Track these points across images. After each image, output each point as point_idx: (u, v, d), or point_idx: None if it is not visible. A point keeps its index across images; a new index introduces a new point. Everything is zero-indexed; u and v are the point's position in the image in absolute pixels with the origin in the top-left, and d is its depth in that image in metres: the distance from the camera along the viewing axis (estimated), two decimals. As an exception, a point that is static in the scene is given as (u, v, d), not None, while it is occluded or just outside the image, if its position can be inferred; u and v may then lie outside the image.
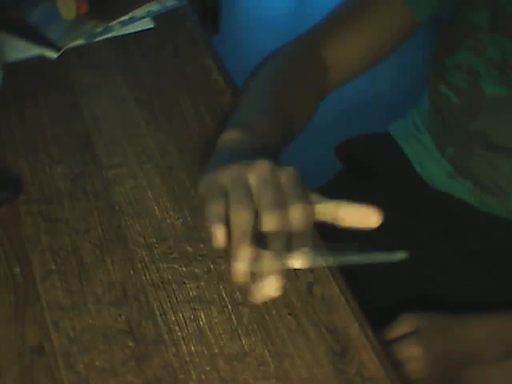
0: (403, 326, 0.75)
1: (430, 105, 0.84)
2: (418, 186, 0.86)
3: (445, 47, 0.76)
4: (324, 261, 0.50)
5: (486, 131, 0.74)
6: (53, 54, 0.86)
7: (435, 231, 0.84)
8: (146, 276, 0.64)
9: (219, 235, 0.46)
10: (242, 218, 0.46)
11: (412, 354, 0.73)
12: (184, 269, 0.65)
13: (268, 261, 0.46)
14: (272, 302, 0.63)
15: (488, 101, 0.72)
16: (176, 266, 0.65)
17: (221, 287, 0.64)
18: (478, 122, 0.75)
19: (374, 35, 0.77)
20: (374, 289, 0.83)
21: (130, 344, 0.59)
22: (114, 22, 0.91)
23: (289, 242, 0.46)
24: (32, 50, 0.87)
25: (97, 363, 0.58)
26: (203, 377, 0.58)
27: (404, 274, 0.84)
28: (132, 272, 0.64)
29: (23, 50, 0.87)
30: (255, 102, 0.67)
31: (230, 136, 0.58)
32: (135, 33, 0.90)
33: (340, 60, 0.77)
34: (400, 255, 0.49)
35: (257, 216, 0.47)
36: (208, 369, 0.58)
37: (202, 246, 0.67)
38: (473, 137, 0.76)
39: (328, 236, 0.70)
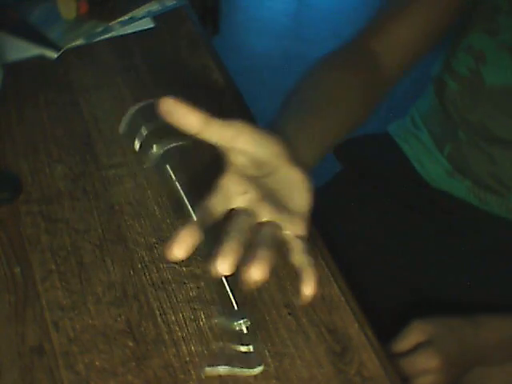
0: (415, 334, 0.71)
1: (433, 97, 0.83)
2: (417, 185, 0.86)
3: (461, 29, 0.75)
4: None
5: (485, 122, 0.74)
6: (53, 54, 0.86)
7: (435, 230, 0.84)
8: (145, 276, 0.64)
9: None
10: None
11: (430, 365, 0.69)
12: (184, 269, 0.65)
13: None
14: (272, 302, 0.63)
15: (487, 90, 0.72)
16: (176, 266, 0.65)
17: (221, 287, 0.64)
18: (477, 112, 0.74)
19: (425, 27, 0.73)
20: (374, 289, 0.83)
21: (130, 344, 0.59)
22: (114, 22, 0.91)
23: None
24: (32, 50, 0.87)
25: (97, 363, 0.58)
26: (203, 377, 0.58)
27: (404, 274, 0.84)
28: (132, 272, 0.64)
29: (23, 50, 0.87)
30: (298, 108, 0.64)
31: None
32: (135, 33, 0.90)
33: (393, 55, 0.73)
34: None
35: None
36: (208, 369, 0.58)
37: (202, 246, 0.67)
38: (473, 128, 0.76)
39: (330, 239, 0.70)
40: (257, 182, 0.50)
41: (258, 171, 0.50)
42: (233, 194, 0.49)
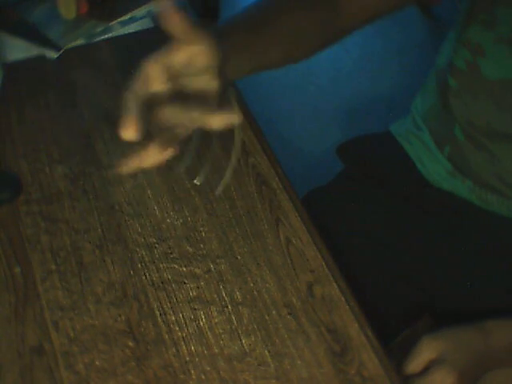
0: (426, 352, 0.69)
1: (435, 95, 0.83)
2: (419, 184, 0.86)
3: (461, 24, 0.75)
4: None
5: (486, 117, 0.73)
6: (53, 54, 0.86)
7: (437, 230, 0.84)
8: (146, 276, 0.64)
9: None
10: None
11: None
12: (184, 269, 0.65)
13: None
14: (272, 302, 0.63)
15: (485, 84, 0.72)
16: (176, 266, 0.65)
17: (221, 287, 0.64)
18: (477, 108, 0.74)
19: None
20: (374, 289, 0.83)
21: (130, 344, 0.59)
22: (114, 22, 0.91)
23: None
24: (32, 50, 0.87)
25: (97, 363, 0.58)
26: (203, 377, 0.58)
27: (405, 274, 0.84)
28: (132, 272, 0.64)
29: (23, 50, 0.87)
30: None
31: None
32: (135, 33, 0.90)
33: (353, 7, 0.70)
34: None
35: None
36: (208, 369, 0.58)
37: (201, 245, 0.67)
38: (474, 125, 0.75)
39: (330, 233, 0.70)
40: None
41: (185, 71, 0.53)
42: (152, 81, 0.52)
